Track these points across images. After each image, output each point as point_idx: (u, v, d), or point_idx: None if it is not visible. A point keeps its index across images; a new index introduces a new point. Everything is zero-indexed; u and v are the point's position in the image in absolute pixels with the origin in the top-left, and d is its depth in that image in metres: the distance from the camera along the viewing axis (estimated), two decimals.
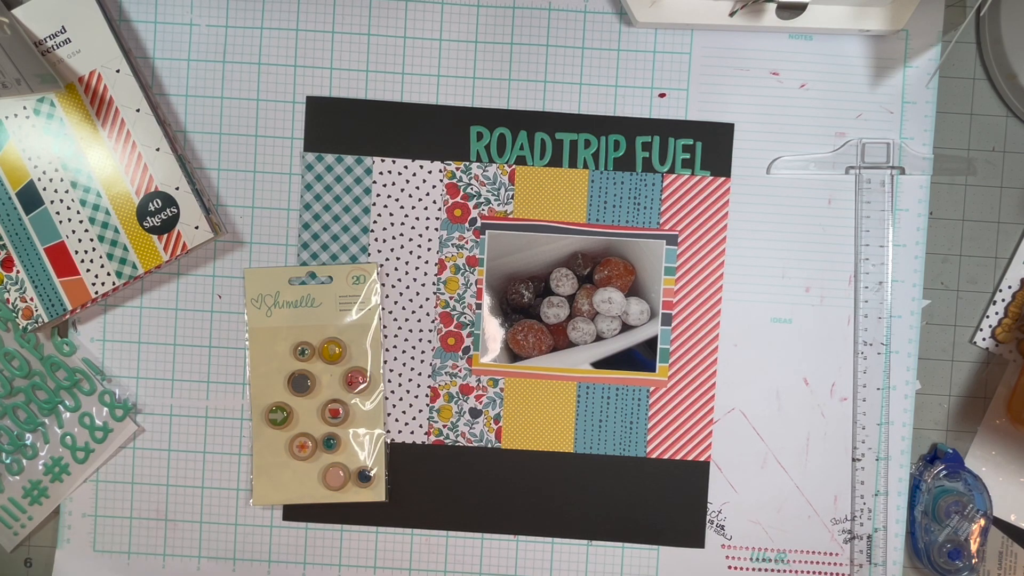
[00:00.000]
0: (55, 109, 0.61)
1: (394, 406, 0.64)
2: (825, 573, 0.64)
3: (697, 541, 0.64)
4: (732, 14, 0.60)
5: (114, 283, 0.62)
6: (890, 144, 0.63)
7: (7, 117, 0.61)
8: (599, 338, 0.64)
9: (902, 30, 0.62)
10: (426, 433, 0.64)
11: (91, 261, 0.62)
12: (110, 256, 0.61)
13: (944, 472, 0.63)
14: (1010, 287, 0.64)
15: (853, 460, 0.64)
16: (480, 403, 0.64)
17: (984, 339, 0.64)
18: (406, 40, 0.63)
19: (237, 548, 0.64)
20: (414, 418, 0.64)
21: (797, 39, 0.63)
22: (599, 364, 0.64)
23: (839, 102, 0.63)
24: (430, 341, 0.64)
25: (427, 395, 0.64)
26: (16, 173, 0.61)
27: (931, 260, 0.64)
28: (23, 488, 0.64)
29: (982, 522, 0.62)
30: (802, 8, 0.57)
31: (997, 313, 0.64)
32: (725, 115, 0.63)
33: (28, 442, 0.64)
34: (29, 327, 0.62)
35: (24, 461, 0.64)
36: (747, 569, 0.64)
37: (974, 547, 0.62)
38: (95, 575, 0.64)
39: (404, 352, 0.64)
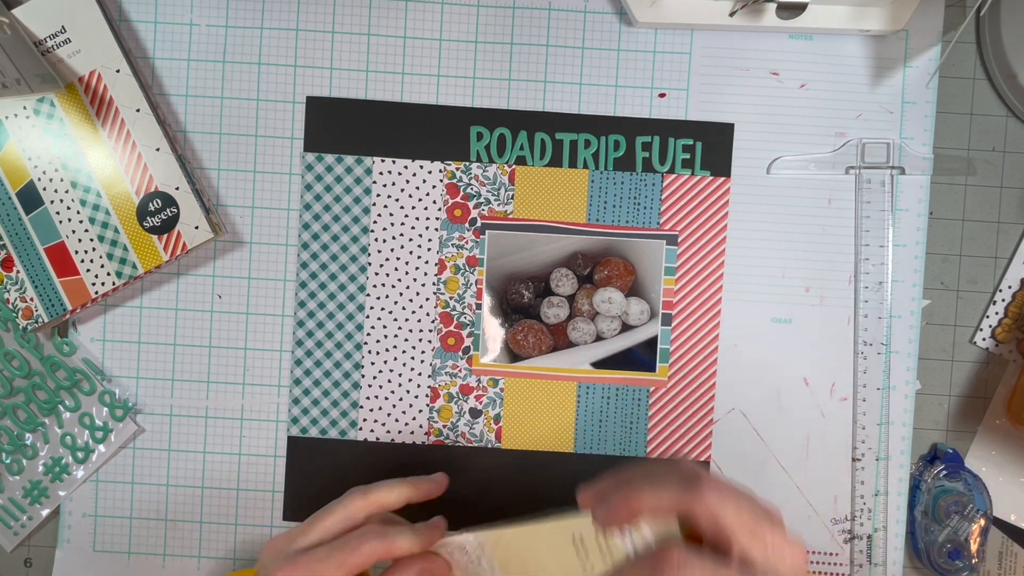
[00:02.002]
0: (55, 109, 0.61)
1: (394, 406, 0.64)
2: (825, 573, 0.64)
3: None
4: (732, 14, 0.60)
5: (114, 283, 0.62)
6: (890, 144, 0.63)
7: (7, 117, 0.61)
8: (599, 338, 0.64)
9: (902, 30, 0.62)
10: (426, 433, 0.64)
11: (91, 261, 0.61)
12: (110, 256, 0.61)
13: (944, 472, 0.63)
14: (1010, 287, 0.64)
15: (853, 460, 0.64)
16: (480, 403, 0.64)
17: (984, 339, 0.64)
18: (406, 40, 0.63)
19: (237, 548, 0.64)
20: (414, 418, 0.64)
21: (797, 39, 0.63)
22: (599, 364, 0.64)
23: (839, 102, 0.63)
24: (430, 341, 0.64)
25: (427, 395, 0.64)
26: (16, 173, 0.61)
27: (931, 260, 0.64)
28: (23, 488, 0.64)
29: (982, 522, 0.62)
30: (802, 8, 0.57)
31: (997, 313, 0.64)
32: (725, 115, 0.63)
33: (28, 442, 0.64)
34: (29, 327, 0.62)
35: (24, 461, 0.64)
36: None
37: (974, 547, 0.62)
38: (95, 575, 0.64)
39: (404, 352, 0.64)
